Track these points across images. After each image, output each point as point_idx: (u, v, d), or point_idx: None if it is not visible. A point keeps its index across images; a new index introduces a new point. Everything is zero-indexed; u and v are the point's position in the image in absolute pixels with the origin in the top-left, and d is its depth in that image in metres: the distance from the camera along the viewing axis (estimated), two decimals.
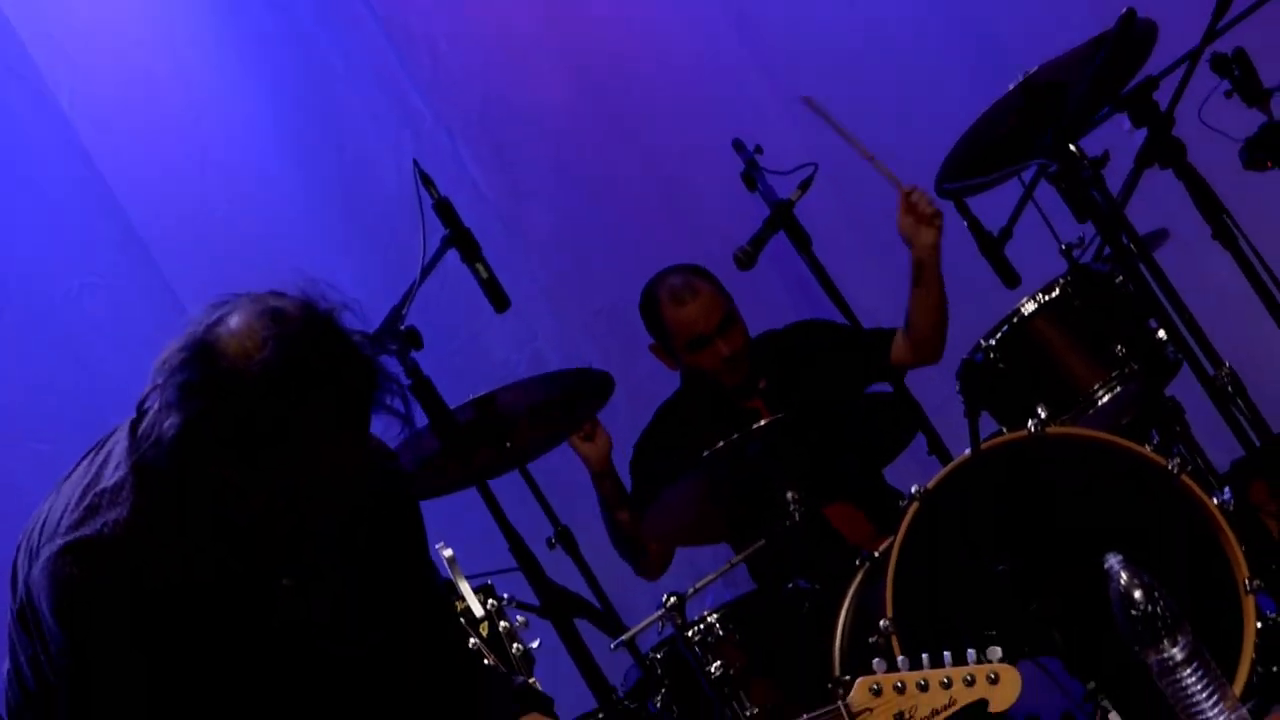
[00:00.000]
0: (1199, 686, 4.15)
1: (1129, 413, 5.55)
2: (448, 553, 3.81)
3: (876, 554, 5.12)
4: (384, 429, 3.42)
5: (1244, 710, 4.19)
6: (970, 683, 3.58)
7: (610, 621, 5.57)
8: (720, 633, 5.37)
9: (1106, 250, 5.62)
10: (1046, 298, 5.47)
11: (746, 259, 5.75)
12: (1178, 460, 4.99)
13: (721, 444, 5.28)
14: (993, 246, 5.46)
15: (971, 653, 3.63)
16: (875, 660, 3.60)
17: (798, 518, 5.37)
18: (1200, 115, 5.69)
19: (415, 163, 5.14)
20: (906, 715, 3.54)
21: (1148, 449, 5.08)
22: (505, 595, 5.17)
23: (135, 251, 6.94)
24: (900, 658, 3.58)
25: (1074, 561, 4.84)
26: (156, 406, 3.32)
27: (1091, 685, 4.79)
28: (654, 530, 5.91)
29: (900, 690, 3.55)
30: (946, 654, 3.61)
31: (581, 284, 7.68)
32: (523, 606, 5.23)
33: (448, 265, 5.34)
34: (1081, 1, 7.31)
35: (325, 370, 3.27)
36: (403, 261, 5.39)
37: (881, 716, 3.54)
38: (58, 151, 6.95)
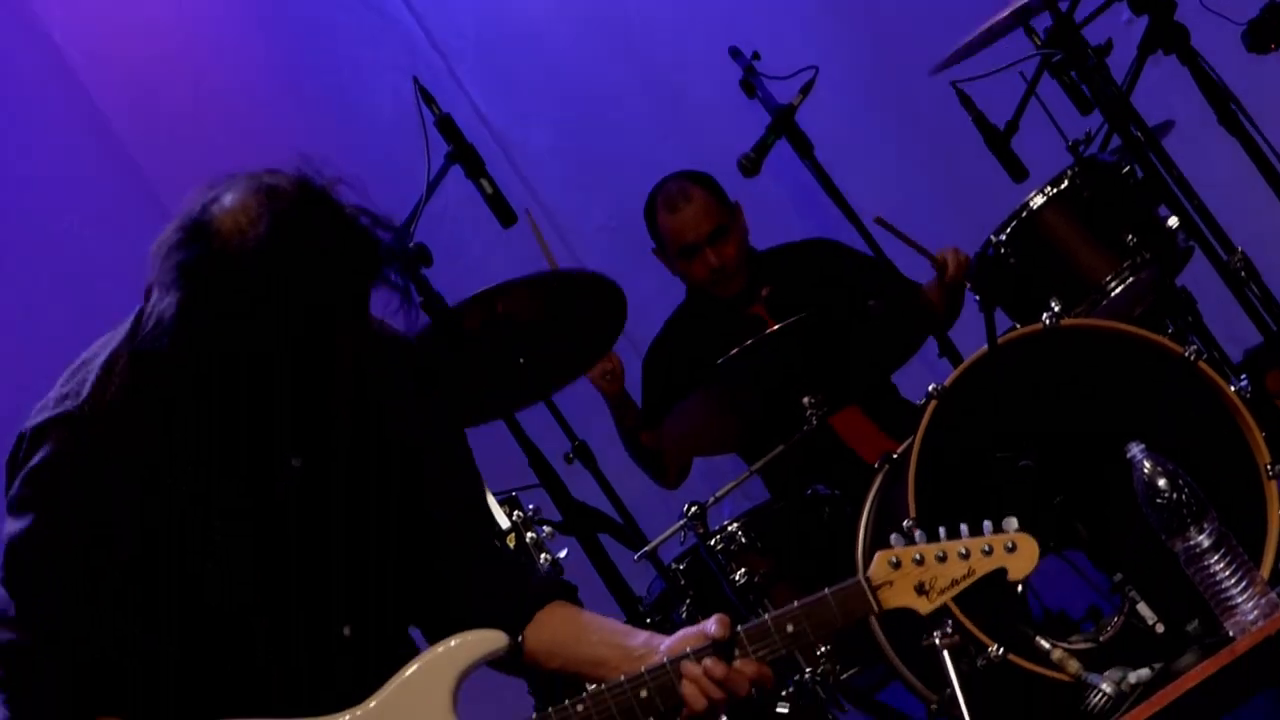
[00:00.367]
0: (1227, 573, 4.13)
1: (1142, 303, 5.50)
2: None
3: (896, 455, 5.09)
4: (384, 306, 3.40)
5: (1273, 594, 4.17)
6: (988, 553, 3.59)
7: (632, 534, 5.55)
8: (743, 540, 5.37)
9: (1112, 143, 5.59)
10: (1055, 190, 5.40)
11: (751, 165, 5.72)
12: (1194, 348, 4.95)
13: (735, 350, 5.26)
14: (999, 140, 5.41)
15: (988, 524, 3.64)
16: (893, 535, 3.60)
17: (815, 422, 5.35)
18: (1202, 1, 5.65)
19: (415, 80, 5.11)
20: (926, 586, 3.55)
21: (1164, 337, 5.03)
22: (531, 507, 5.16)
23: (132, 184, 6.90)
24: (918, 532, 3.60)
25: (1095, 453, 4.80)
26: (156, 291, 3.31)
27: (1118, 577, 4.76)
28: (671, 440, 5.89)
29: (919, 563, 3.56)
30: (963, 526, 3.62)
31: (583, 202, 7.65)
32: (545, 523, 5.23)
33: (447, 187, 5.32)
34: None
35: (321, 241, 3.27)
36: (402, 183, 5.34)
37: (901, 588, 3.55)
38: (49, 81, 6.90)
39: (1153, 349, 4.97)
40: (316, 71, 7.33)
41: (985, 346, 4.91)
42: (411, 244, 4.86)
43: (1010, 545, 3.60)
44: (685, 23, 7.76)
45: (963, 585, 3.57)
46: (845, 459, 6.11)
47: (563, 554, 5.10)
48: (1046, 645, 4.63)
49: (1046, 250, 5.41)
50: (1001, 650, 4.60)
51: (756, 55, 5.90)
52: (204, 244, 3.26)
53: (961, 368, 4.95)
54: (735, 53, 5.94)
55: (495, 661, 3.64)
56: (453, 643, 3.57)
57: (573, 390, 5.92)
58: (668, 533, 5.42)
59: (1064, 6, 5.28)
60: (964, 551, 3.58)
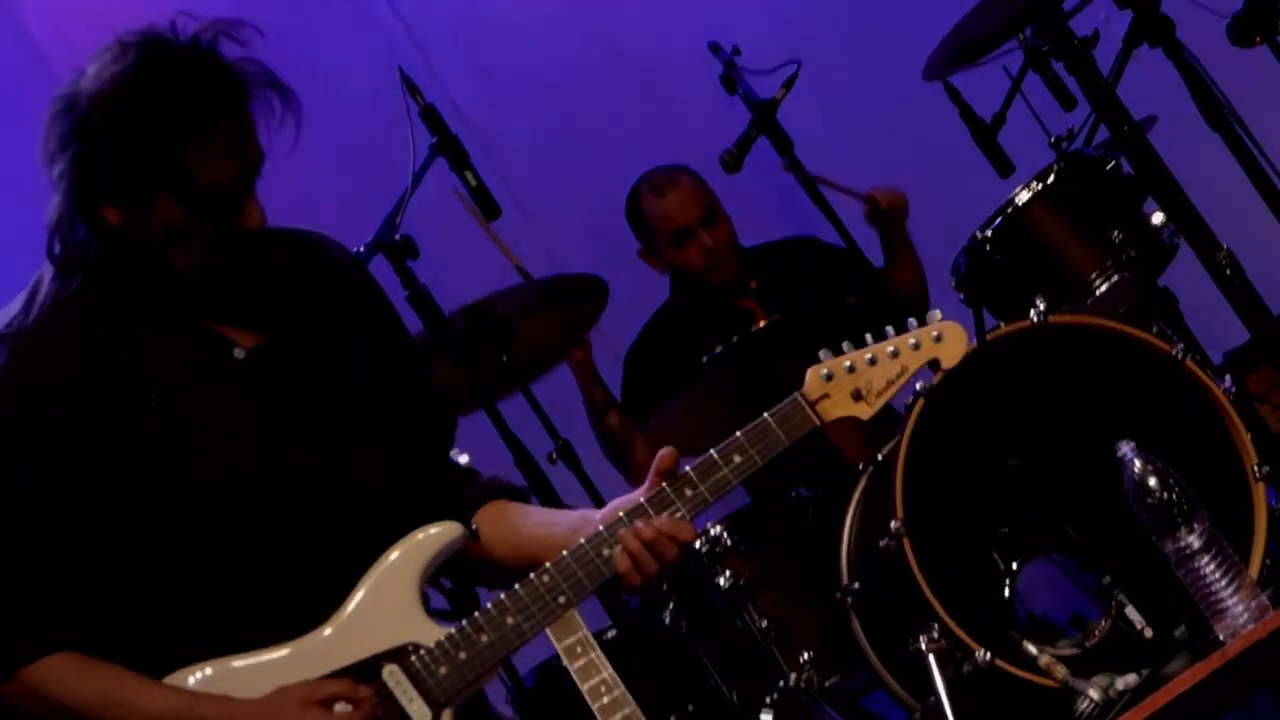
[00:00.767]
0: (1218, 574, 4.11)
1: (1127, 301, 5.46)
2: (464, 458, 3.80)
3: (881, 456, 5.04)
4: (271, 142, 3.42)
5: (1263, 597, 4.14)
6: (917, 347, 3.67)
7: None
8: (727, 543, 5.32)
9: (1097, 138, 5.55)
10: (1041, 185, 5.36)
11: (733, 160, 5.69)
12: (1181, 346, 4.90)
13: (721, 348, 5.21)
14: (986, 134, 5.38)
15: (912, 320, 3.69)
16: (821, 350, 3.63)
17: None
18: None
19: (400, 69, 5.09)
20: (862, 391, 3.61)
21: (1152, 335, 4.99)
22: None
23: None
24: (845, 343, 3.65)
25: (1084, 452, 4.76)
26: (55, 196, 3.40)
27: (1106, 580, 4.72)
28: (659, 438, 5.83)
29: (851, 370, 3.62)
30: (888, 328, 3.69)
31: (563, 199, 7.61)
32: None
33: (429, 184, 5.28)
34: None
35: (176, 66, 3.33)
36: (382, 177, 5.32)
37: (838, 399, 3.60)
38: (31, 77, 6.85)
39: (1140, 347, 4.91)
40: (295, 65, 7.26)
41: (974, 343, 4.86)
42: (397, 236, 4.83)
43: (937, 335, 3.68)
44: (665, 17, 7.72)
45: (898, 384, 3.65)
46: (829, 459, 6.06)
47: None
48: (1034, 650, 4.58)
49: (1032, 246, 5.38)
50: (989, 655, 4.53)
51: (737, 50, 5.89)
52: (73, 112, 3.34)
53: (948, 366, 4.86)
54: (715, 48, 5.92)
55: (450, 561, 3.62)
56: (419, 536, 3.56)
57: (555, 390, 5.89)
58: None
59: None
60: (893, 350, 3.65)
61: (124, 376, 3.44)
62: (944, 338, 3.67)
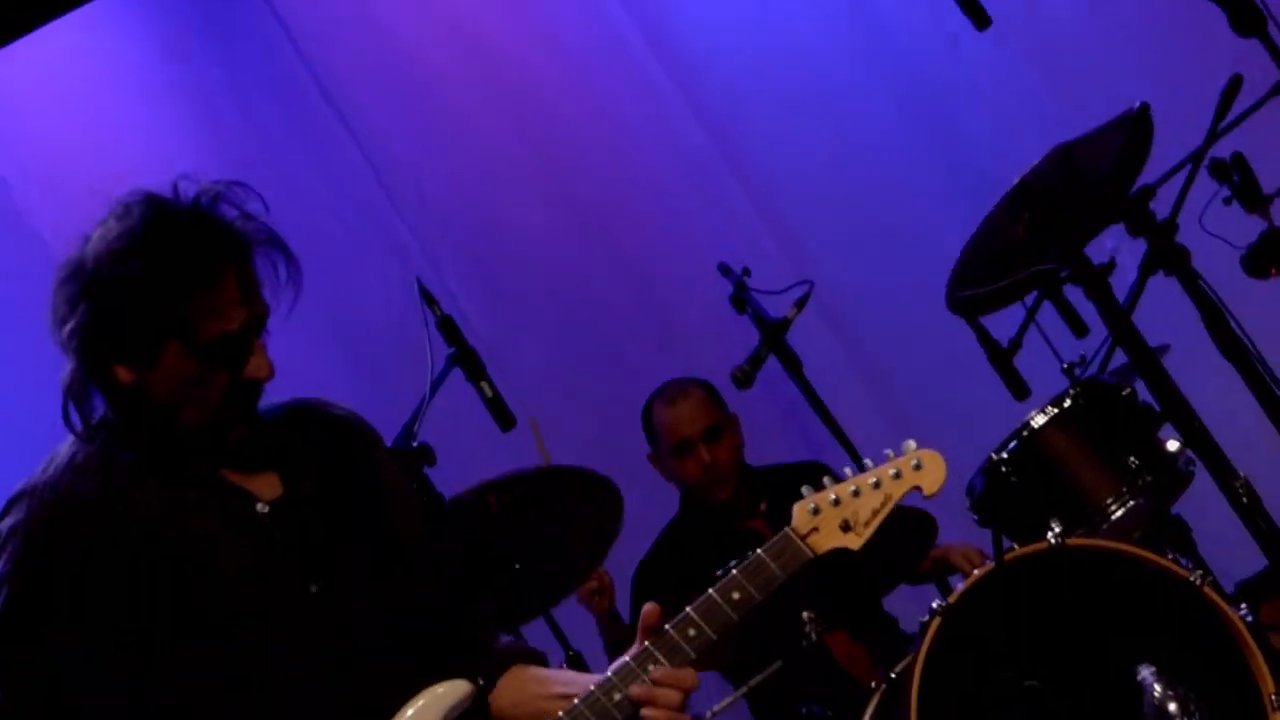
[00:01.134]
0: None
1: (1141, 527, 5.45)
2: None
3: (895, 674, 4.99)
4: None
5: None
6: (898, 476, 3.71)
7: None
8: None
9: (1111, 365, 5.57)
10: (1057, 410, 5.39)
11: (744, 377, 5.68)
12: (1200, 572, 4.89)
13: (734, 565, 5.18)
14: (1003, 358, 5.38)
15: (888, 451, 3.75)
16: (804, 486, 3.68)
17: (814, 638, 5.26)
18: (1201, 222, 5.64)
19: (419, 280, 5.14)
20: (850, 522, 3.66)
21: (1169, 561, 4.97)
22: None
23: None
24: (826, 478, 3.70)
25: (1101, 675, 4.72)
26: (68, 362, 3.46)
27: None
28: None
29: (837, 503, 3.67)
30: (868, 460, 3.74)
31: (574, 414, 7.60)
32: None
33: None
34: (1047, 109, 7.34)
35: (180, 220, 3.41)
36: (396, 389, 5.32)
37: (827, 531, 3.65)
38: None
39: (1159, 573, 4.90)
40: (310, 269, 7.34)
41: (990, 564, 4.84)
42: (415, 444, 4.83)
43: (916, 464, 3.71)
44: (677, 240, 7.79)
45: (883, 513, 3.68)
46: (838, 679, 6.00)
47: None
48: None
49: (1047, 470, 5.38)
50: None
51: (746, 271, 5.90)
52: (78, 278, 3.41)
53: (966, 585, 4.87)
54: (725, 269, 5.94)
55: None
56: (439, 690, 3.56)
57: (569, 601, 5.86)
58: None
59: None
60: (875, 481, 3.70)
61: (138, 529, 3.45)
62: (923, 465, 3.73)
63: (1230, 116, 5.26)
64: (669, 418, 6.39)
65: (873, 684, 5.09)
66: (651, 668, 3.55)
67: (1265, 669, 4.83)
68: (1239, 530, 5.22)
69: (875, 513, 3.67)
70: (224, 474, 3.55)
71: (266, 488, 3.58)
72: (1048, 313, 5.53)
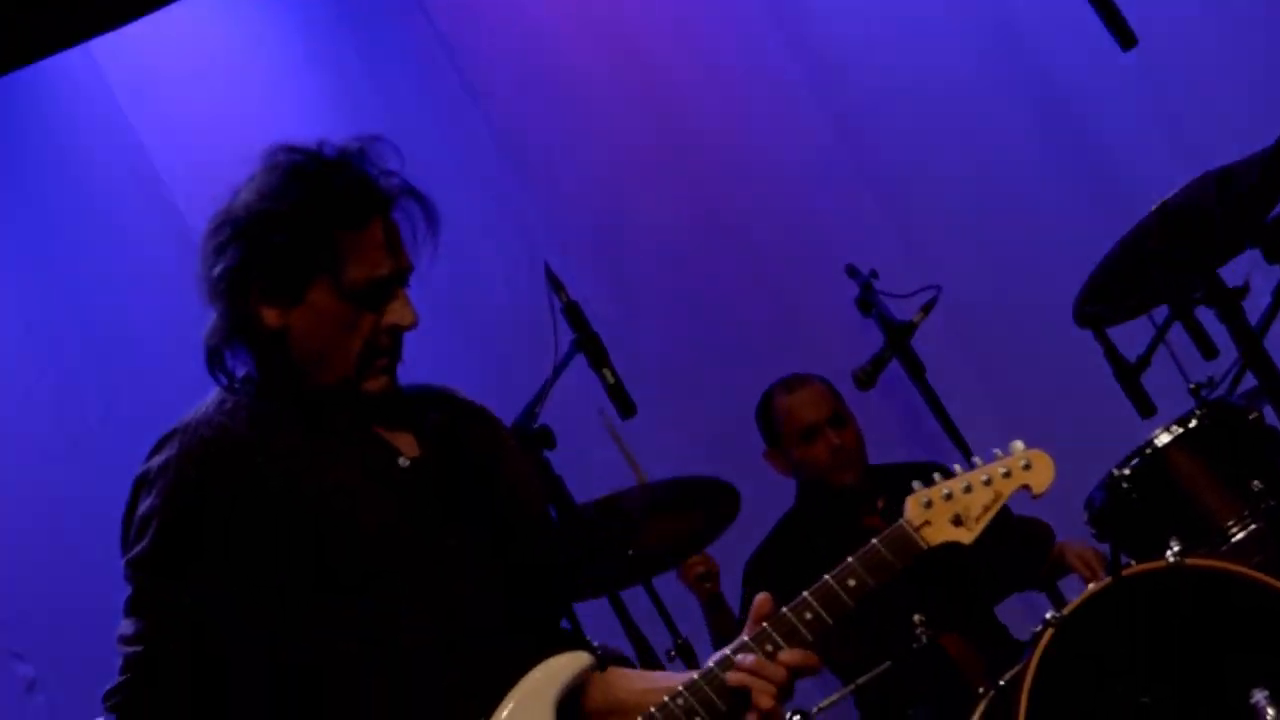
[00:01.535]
0: None
1: (1263, 551, 5.40)
2: None
3: (1004, 681, 4.97)
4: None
5: None
6: (1008, 475, 3.75)
7: None
8: None
9: (1239, 389, 5.53)
10: (1182, 429, 5.36)
11: (866, 378, 5.67)
12: None
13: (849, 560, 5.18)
14: (1129, 375, 5.34)
15: (995, 451, 3.78)
16: (914, 481, 3.72)
17: (924, 640, 5.25)
18: None
19: (546, 265, 5.15)
20: (961, 517, 3.70)
21: None
22: None
23: None
24: (937, 475, 3.74)
25: (1214, 697, 4.68)
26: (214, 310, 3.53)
27: None
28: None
29: (949, 498, 3.71)
30: (976, 458, 3.79)
31: (693, 406, 7.61)
32: None
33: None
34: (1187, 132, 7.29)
35: (328, 168, 3.49)
36: (515, 370, 5.35)
37: (939, 524, 3.69)
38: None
39: (1276, 596, 4.87)
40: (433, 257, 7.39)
41: (1107, 578, 4.82)
42: (535, 425, 4.86)
43: (1026, 464, 3.74)
44: (804, 238, 7.78)
45: (994, 509, 3.72)
46: (950, 682, 5.97)
47: None
48: None
49: (1169, 489, 5.36)
50: None
51: (874, 273, 5.87)
52: (230, 225, 3.48)
53: (1081, 597, 4.86)
54: (852, 271, 5.92)
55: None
56: (563, 659, 3.61)
57: (678, 586, 5.88)
58: None
59: None
60: (986, 478, 3.74)
61: (281, 481, 3.49)
62: (1032, 465, 3.76)
63: None
64: (793, 404, 6.38)
65: (980, 690, 5.08)
66: (769, 648, 3.56)
67: None
68: None
69: (986, 509, 3.72)
70: (369, 426, 3.59)
71: (406, 446, 3.61)
72: (1177, 333, 5.49)
